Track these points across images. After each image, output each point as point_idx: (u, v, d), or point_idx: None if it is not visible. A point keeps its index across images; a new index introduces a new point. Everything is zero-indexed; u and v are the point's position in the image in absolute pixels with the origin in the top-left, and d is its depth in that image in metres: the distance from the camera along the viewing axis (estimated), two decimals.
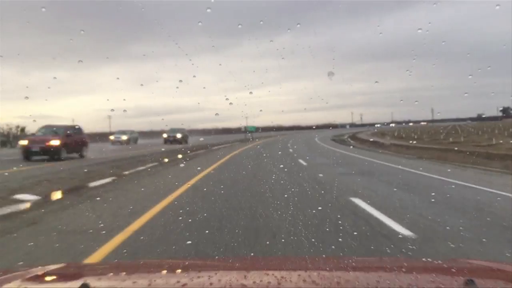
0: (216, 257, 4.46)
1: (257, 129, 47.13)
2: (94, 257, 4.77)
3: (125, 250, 5.05)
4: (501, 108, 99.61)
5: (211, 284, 1.39)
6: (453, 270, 1.72)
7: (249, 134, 50.09)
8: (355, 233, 5.56)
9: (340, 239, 5.24)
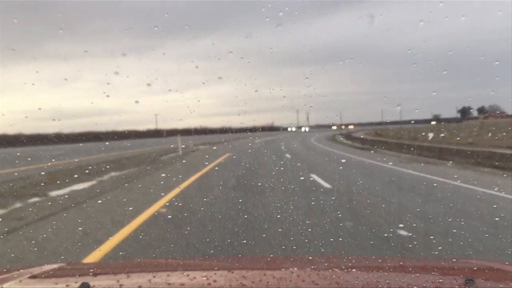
0: (215, 256, 4.44)
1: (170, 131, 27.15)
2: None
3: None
4: (459, 109, 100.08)
5: (209, 284, 1.39)
6: (453, 269, 1.73)
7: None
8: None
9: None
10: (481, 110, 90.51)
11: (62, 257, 5.23)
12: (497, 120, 62.70)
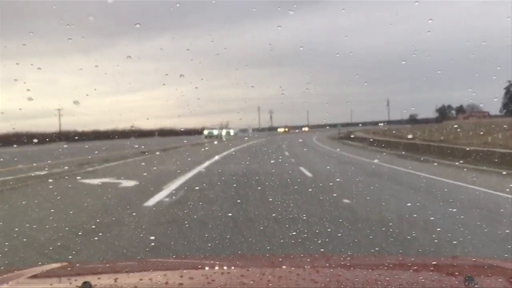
0: (216, 255, 4.39)
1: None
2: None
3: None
4: (438, 107, 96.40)
5: (208, 283, 1.39)
6: (453, 267, 1.74)
7: None
8: None
9: None
10: (460, 110, 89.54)
11: None
12: (479, 120, 62.85)
